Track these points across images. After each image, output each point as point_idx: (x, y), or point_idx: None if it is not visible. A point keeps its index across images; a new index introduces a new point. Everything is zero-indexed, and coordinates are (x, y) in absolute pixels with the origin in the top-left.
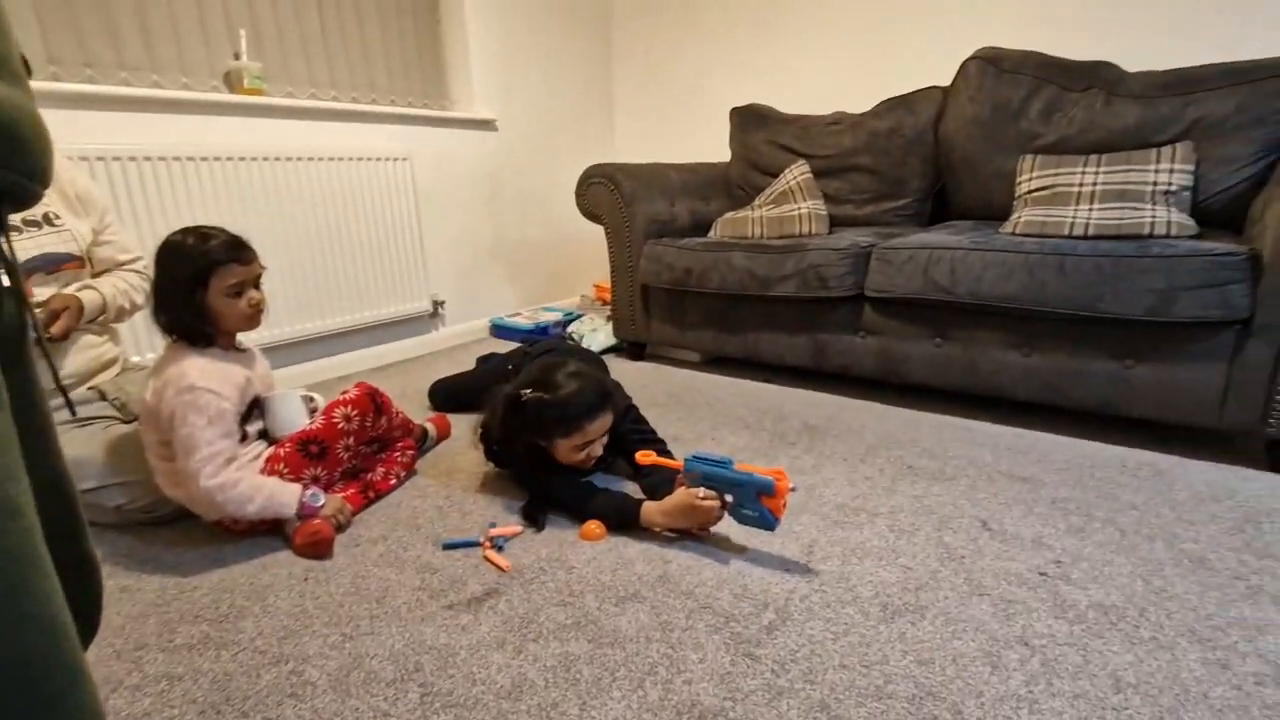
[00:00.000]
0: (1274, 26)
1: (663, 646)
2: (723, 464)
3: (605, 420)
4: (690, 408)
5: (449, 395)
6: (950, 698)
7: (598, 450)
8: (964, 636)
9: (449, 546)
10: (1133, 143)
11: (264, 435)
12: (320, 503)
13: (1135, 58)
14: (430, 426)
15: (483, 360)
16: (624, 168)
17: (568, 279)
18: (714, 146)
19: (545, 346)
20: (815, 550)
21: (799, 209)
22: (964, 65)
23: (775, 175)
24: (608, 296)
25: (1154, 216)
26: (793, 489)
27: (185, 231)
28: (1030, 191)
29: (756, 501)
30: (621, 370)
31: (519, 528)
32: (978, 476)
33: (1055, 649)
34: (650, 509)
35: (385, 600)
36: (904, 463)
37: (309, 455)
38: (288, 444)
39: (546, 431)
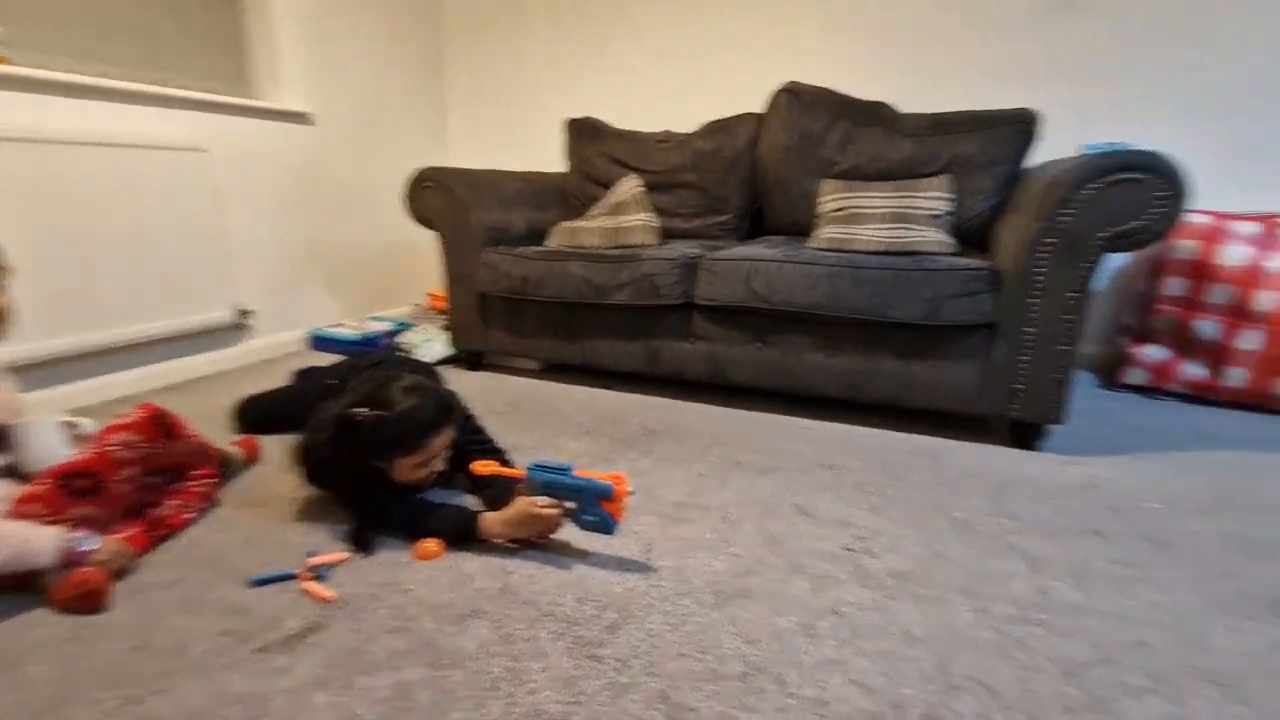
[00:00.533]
0: (1007, 83)
1: (505, 660)
2: (562, 471)
3: (448, 435)
4: (530, 416)
5: (261, 415)
6: (775, 669)
7: (439, 465)
8: (785, 613)
9: (259, 583)
10: (908, 173)
11: (13, 471)
12: (91, 547)
13: (907, 100)
14: (235, 451)
15: (301, 375)
16: (459, 173)
17: (399, 287)
18: (550, 156)
19: (373, 359)
20: (654, 548)
21: (634, 220)
22: (775, 96)
23: (609, 187)
24: (442, 305)
25: (925, 236)
26: (631, 492)
27: None
28: (831, 211)
29: (596, 506)
30: (460, 380)
31: (345, 554)
32: (795, 467)
33: (860, 614)
34: (490, 520)
35: (181, 652)
36: (733, 459)
37: (75, 492)
38: (47, 480)
39: (385, 451)
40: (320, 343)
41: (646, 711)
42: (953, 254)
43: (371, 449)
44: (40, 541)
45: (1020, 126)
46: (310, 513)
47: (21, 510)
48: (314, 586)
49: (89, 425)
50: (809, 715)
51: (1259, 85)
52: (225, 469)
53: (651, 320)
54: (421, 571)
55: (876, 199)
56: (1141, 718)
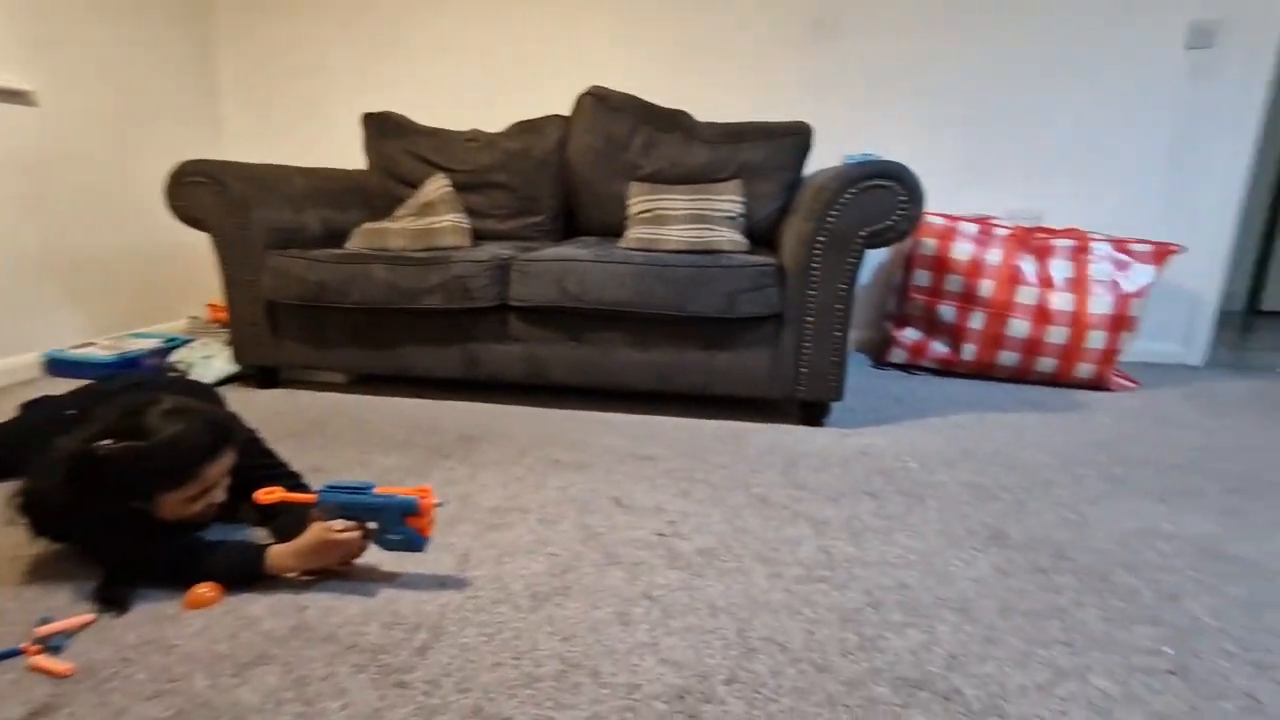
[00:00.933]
0: (787, 97)
1: (297, 705)
2: (361, 490)
3: (226, 460)
4: (335, 434)
5: None
6: (590, 663)
7: (219, 496)
8: (601, 605)
9: None
10: (705, 177)
11: None
12: None
13: (703, 109)
14: None
15: (29, 407)
16: (234, 167)
17: (169, 298)
18: (349, 152)
19: (127, 381)
20: (470, 558)
21: (442, 221)
22: (580, 99)
23: (415, 186)
24: (224, 315)
25: (722, 236)
26: (439, 504)
27: None
28: (639, 213)
29: (401, 524)
30: (249, 401)
31: (91, 615)
32: (612, 461)
33: (669, 595)
34: (279, 553)
35: None
36: (551, 458)
37: None
38: None
39: (145, 488)
40: (61, 367)
41: None
42: (746, 252)
43: (126, 487)
44: None
45: (798, 138)
46: (41, 571)
47: None
48: (45, 661)
49: None
50: (622, 701)
51: (978, 108)
52: None
53: (466, 324)
54: (192, 623)
55: (679, 201)
56: (904, 647)
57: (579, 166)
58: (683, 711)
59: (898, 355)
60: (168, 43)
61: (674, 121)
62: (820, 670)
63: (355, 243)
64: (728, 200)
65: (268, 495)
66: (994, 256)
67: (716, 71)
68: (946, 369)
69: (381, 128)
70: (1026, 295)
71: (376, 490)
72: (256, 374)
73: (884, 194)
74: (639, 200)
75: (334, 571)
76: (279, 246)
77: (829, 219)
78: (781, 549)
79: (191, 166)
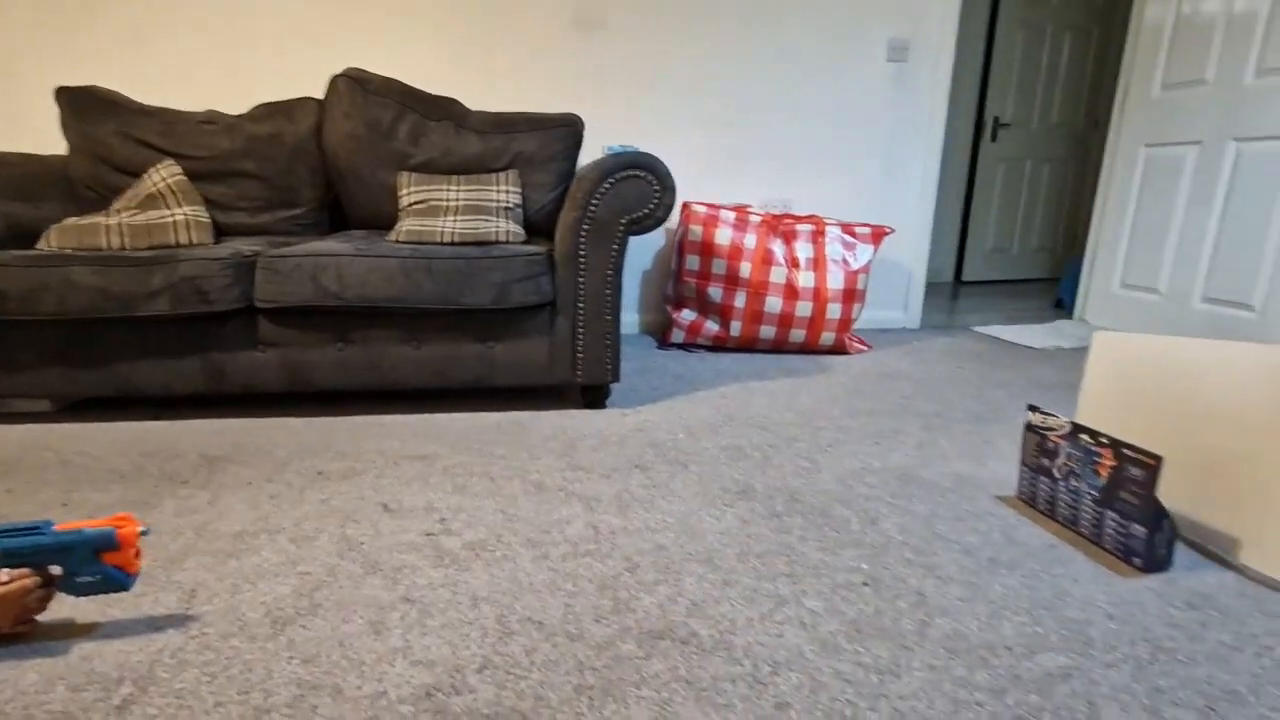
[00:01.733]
0: (558, 89)
1: None
2: (34, 530)
3: None
4: (35, 472)
5: None
6: (332, 681)
7: None
8: (354, 618)
9: None
10: (479, 167)
11: None
12: None
13: (475, 98)
14: None
15: None
16: None
17: None
18: (44, 135)
19: None
20: (198, 593)
21: (173, 216)
22: (334, 81)
23: (137, 175)
24: None
25: (498, 227)
26: (143, 532)
27: None
28: (411, 204)
29: (95, 562)
30: None
31: None
32: (385, 465)
33: (431, 594)
34: None
35: None
36: (315, 470)
37: None
38: None
39: None
40: None
41: None
42: (523, 242)
43: None
44: None
45: (569, 129)
46: None
47: None
48: None
49: None
50: (365, 714)
51: (732, 107)
52: None
53: (205, 330)
54: None
55: (452, 192)
56: (653, 604)
57: (340, 155)
58: (429, 709)
59: (678, 335)
60: None
61: (443, 109)
62: (573, 640)
63: (53, 241)
64: (503, 190)
65: None
66: (750, 240)
67: (487, 60)
68: (719, 345)
69: (82, 105)
70: (778, 275)
71: (57, 527)
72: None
73: (640, 183)
74: (411, 190)
75: (9, 635)
76: None
77: (591, 207)
78: (552, 530)
79: None
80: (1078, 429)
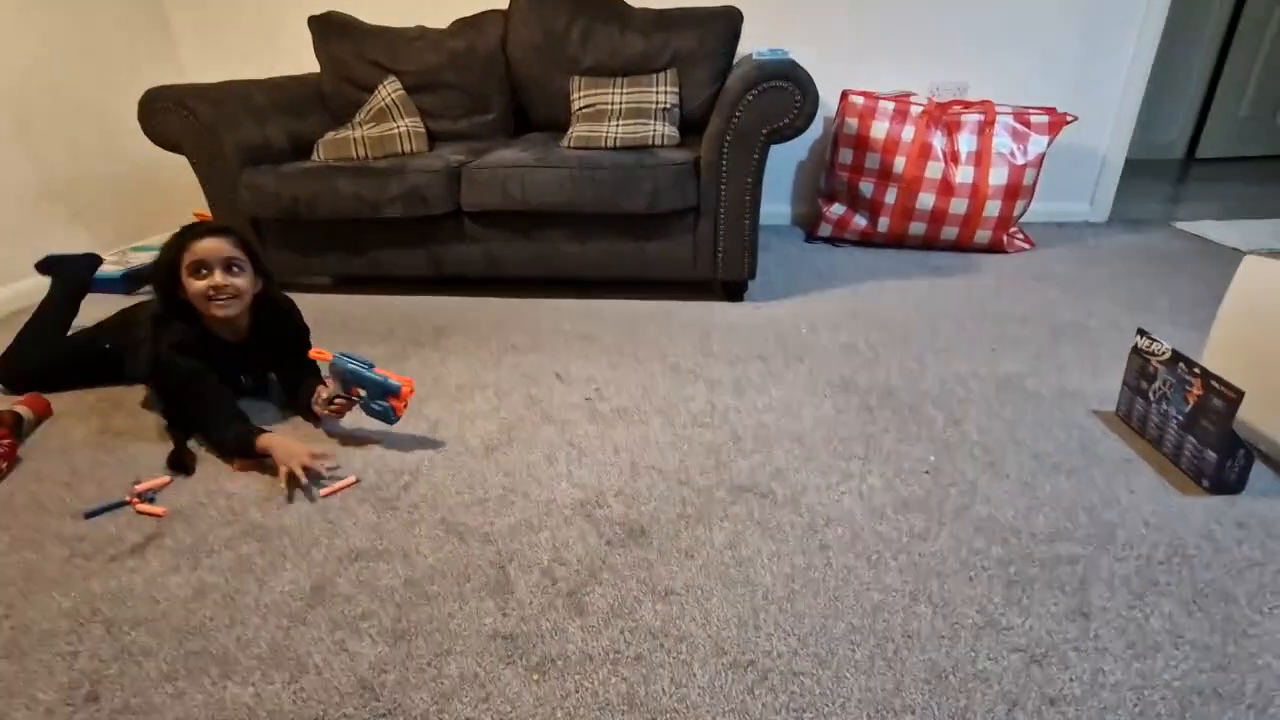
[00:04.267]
0: None
1: (322, 524)
2: (365, 365)
3: (214, 242)
4: (327, 329)
5: (32, 375)
6: (523, 489)
7: (220, 279)
8: (535, 451)
9: (92, 514)
10: (642, 67)
11: None
12: None
13: None
14: (23, 409)
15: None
16: (198, 89)
17: (160, 209)
18: (298, 56)
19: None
20: (440, 424)
21: (398, 127)
22: None
23: (369, 91)
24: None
25: (654, 130)
26: (412, 393)
27: None
28: (581, 109)
29: (383, 400)
30: None
31: (167, 478)
32: (558, 341)
33: (586, 441)
34: (264, 440)
35: (34, 578)
36: (508, 343)
37: None
38: None
39: (170, 271)
40: None
41: (431, 532)
42: (674, 146)
43: (164, 273)
44: None
45: (727, 22)
46: (125, 450)
47: None
48: (146, 507)
49: None
50: (541, 510)
51: None
52: (17, 429)
53: (428, 228)
54: (242, 480)
55: (617, 95)
56: (746, 466)
57: (521, 63)
58: (582, 513)
59: (825, 229)
60: None
61: (610, 10)
62: (681, 484)
63: (320, 154)
64: (662, 92)
65: (317, 354)
66: (908, 133)
67: None
68: (866, 241)
69: (327, 30)
70: (933, 170)
71: (376, 370)
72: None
73: (782, 94)
74: (581, 96)
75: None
76: (252, 163)
77: (734, 119)
78: (678, 405)
79: (155, 93)
80: (1177, 356)
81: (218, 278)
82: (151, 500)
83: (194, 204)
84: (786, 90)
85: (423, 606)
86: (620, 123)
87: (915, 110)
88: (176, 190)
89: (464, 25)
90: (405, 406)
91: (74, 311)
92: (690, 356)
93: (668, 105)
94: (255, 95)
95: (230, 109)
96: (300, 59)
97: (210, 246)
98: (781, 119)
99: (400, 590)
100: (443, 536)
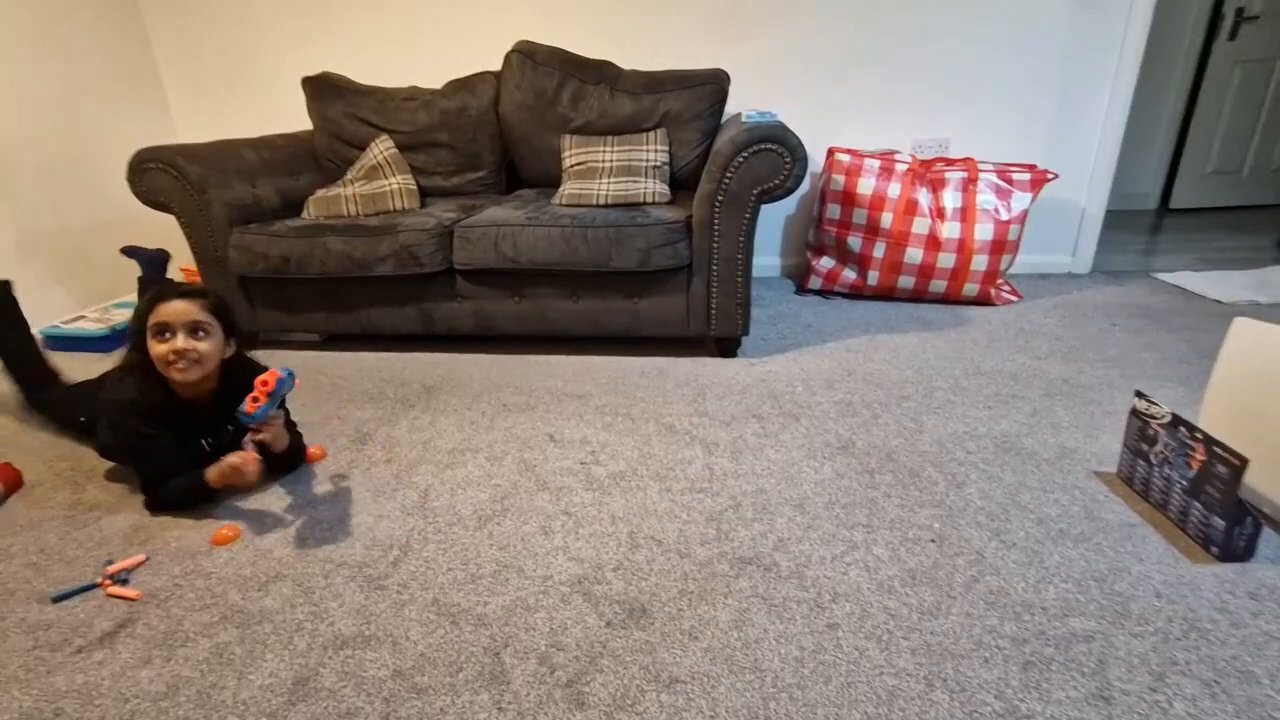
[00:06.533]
0: (699, 45)
1: (306, 607)
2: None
3: (181, 305)
4: (315, 390)
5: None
6: (518, 564)
7: (181, 344)
8: (530, 522)
9: (60, 598)
10: (631, 127)
11: None
12: None
13: (623, 58)
14: None
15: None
16: (187, 150)
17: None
18: (293, 115)
19: None
20: (430, 492)
21: (389, 185)
22: (508, 57)
23: (361, 148)
24: (198, 277)
25: (646, 187)
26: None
27: None
28: (572, 166)
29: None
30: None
31: (142, 556)
32: (551, 401)
33: (583, 510)
34: (209, 474)
35: None
36: (500, 402)
37: None
38: None
39: (138, 334)
40: (59, 342)
41: (422, 615)
42: (666, 204)
43: (134, 337)
44: None
45: (714, 86)
46: (93, 525)
47: None
48: (118, 590)
49: None
50: (538, 588)
51: (883, 43)
52: None
53: (419, 286)
54: (221, 555)
55: (608, 153)
56: (748, 536)
57: (513, 123)
58: (580, 591)
59: (815, 282)
60: (99, 32)
61: (599, 73)
62: (682, 556)
63: (311, 211)
64: (652, 150)
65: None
66: (894, 190)
67: (639, 18)
68: (856, 293)
69: (320, 91)
70: (920, 225)
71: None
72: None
73: (771, 157)
74: (572, 153)
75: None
76: (241, 222)
77: (725, 181)
78: (676, 469)
79: (146, 154)
80: (1178, 421)
81: (179, 342)
82: (125, 582)
83: (179, 260)
84: (776, 153)
85: (412, 701)
86: (612, 180)
87: (900, 167)
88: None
89: (457, 86)
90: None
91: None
92: (685, 416)
93: (658, 163)
94: (246, 153)
95: (218, 167)
96: (293, 117)
97: (176, 310)
98: (771, 180)
99: (389, 682)
100: (434, 620)
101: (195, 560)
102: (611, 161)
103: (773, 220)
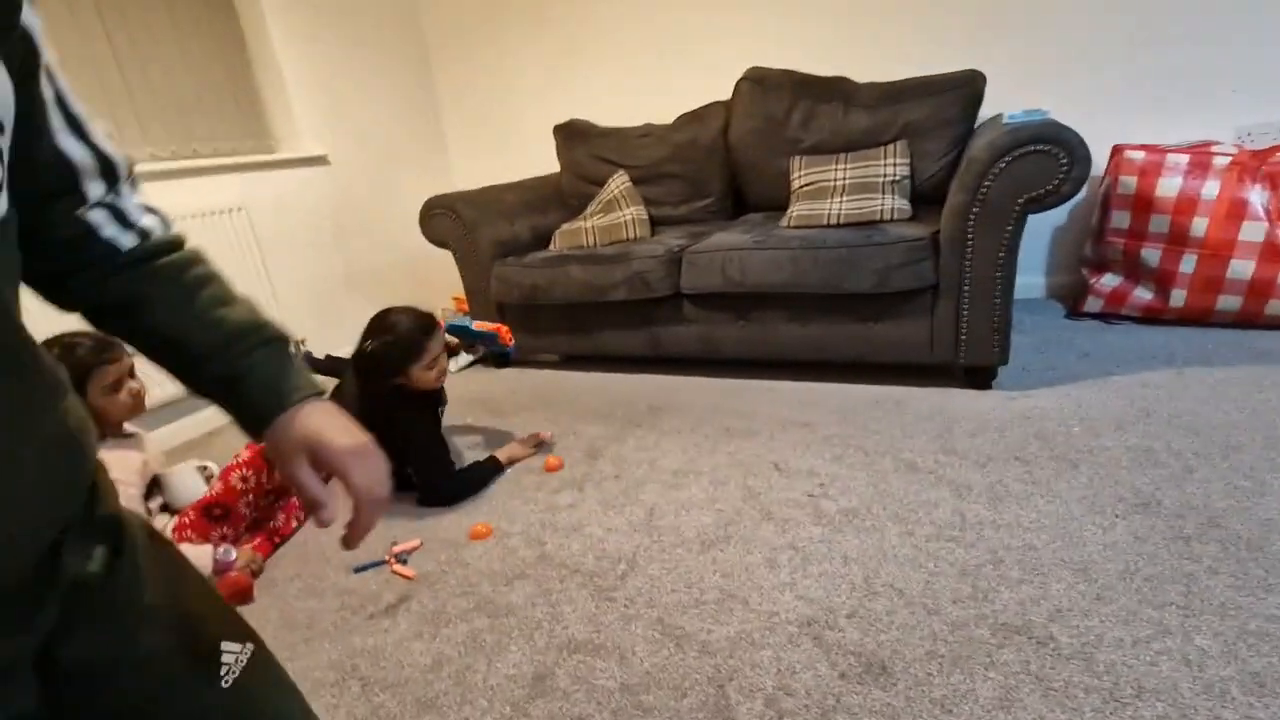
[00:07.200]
0: (948, 46)
1: (545, 607)
2: (467, 323)
3: (440, 338)
4: (552, 406)
5: None
6: (742, 594)
7: (445, 364)
8: (754, 552)
9: (360, 570)
10: (867, 142)
11: (166, 508)
12: (233, 557)
13: (861, 71)
14: None
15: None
16: (463, 196)
17: (426, 295)
18: (545, 159)
19: None
20: (655, 511)
21: (624, 216)
22: (738, 85)
23: (601, 185)
24: (466, 308)
25: (883, 204)
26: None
27: (48, 343)
28: (801, 187)
29: (495, 344)
30: (490, 376)
31: (417, 541)
32: (775, 428)
33: (811, 546)
34: (500, 455)
35: (313, 625)
36: (723, 426)
37: (213, 518)
38: (191, 512)
39: (400, 365)
40: None
41: (647, 632)
42: (906, 220)
43: (389, 367)
44: (200, 557)
45: (965, 90)
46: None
47: (178, 536)
48: (400, 569)
49: (214, 467)
50: (764, 623)
51: (1186, 19)
52: None
53: (648, 310)
54: (477, 549)
55: (840, 171)
56: (1013, 599)
57: (741, 149)
58: (809, 634)
59: (1093, 304)
60: (406, 100)
61: (832, 90)
62: (930, 613)
63: (557, 244)
64: (891, 164)
65: None
66: (1211, 189)
67: (876, 29)
68: (1152, 317)
69: (569, 135)
70: (1251, 232)
71: (474, 325)
72: (494, 357)
73: (1042, 159)
74: (801, 174)
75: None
76: (501, 257)
77: (981, 191)
78: (919, 511)
79: (434, 202)
80: None
81: (443, 362)
82: (404, 562)
83: (451, 290)
84: (1049, 155)
85: (638, 718)
86: (844, 199)
87: (1220, 162)
88: (438, 278)
89: (688, 119)
90: (510, 339)
91: None
92: (929, 453)
93: (897, 178)
94: (506, 197)
95: (486, 210)
96: (544, 161)
97: (438, 344)
98: (1041, 187)
99: (616, 695)
100: (659, 639)
101: (457, 550)
102: (844, 180)
103: (1037, 234)
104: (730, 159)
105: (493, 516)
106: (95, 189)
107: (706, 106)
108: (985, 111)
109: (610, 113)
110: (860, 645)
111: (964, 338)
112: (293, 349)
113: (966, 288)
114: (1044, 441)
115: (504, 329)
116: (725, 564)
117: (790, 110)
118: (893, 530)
